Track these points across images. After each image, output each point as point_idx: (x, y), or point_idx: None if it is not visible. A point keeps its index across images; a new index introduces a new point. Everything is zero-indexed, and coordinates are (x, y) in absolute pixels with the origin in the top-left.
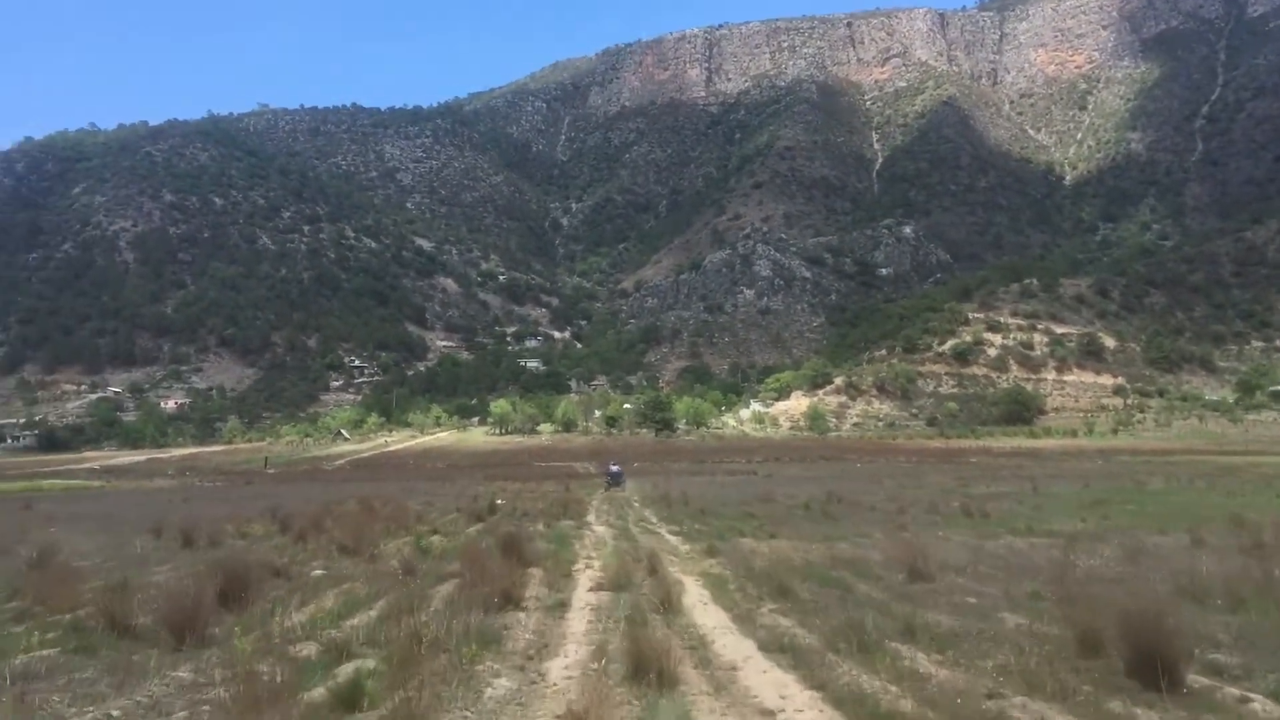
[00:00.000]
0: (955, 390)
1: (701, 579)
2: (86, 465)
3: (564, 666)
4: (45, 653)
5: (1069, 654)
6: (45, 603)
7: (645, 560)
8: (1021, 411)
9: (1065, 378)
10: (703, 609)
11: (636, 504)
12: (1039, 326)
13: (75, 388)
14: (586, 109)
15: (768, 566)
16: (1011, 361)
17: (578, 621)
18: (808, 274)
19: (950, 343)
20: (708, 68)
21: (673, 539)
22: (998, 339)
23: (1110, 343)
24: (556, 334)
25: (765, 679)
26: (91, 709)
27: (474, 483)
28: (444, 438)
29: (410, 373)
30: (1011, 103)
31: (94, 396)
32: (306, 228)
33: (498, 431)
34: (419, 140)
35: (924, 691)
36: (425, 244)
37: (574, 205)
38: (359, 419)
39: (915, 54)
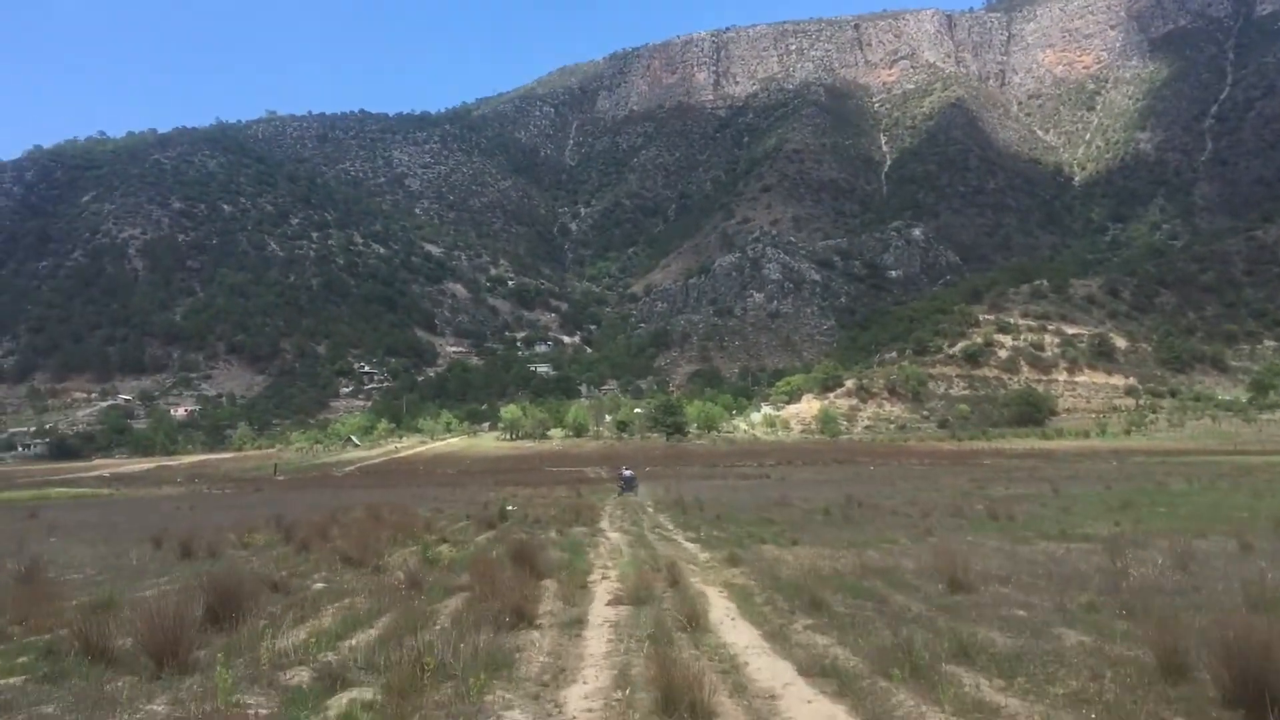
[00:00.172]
0: (966, 392)
1: (725, 590)
2: (96, 473)
3: (583, 695)
4: (11, 681)
5: (1151, 679)
6: (24, 622)
7: (665, 570)
8: (1033, 413)
9: (1076, 378)
10: (730, 625)
11: (650, 509)
12: (1050, 327)
13: (85, 395)
14: (594, 113)
15: (795, 576)
16: (1022, 363)
17: (596, 641)
18: (817, 277)
19: (961, 344)
20: (715, 71)
21: (691, 546)
22: (1008, 340)
23: (1121, 343)
24: (566, 339)
25: (811, 710)
26: None
27: (484, 489)
28: (454, 443)
29: (420, 379)
30: (1020, 104)
31: (104, 404)
32: (315, 234)
33: (508, 437)
34: (427, 146)
35: None
36: (434, 250)
37: (583, 210)
38: (369, 425)
39: (923, 56)
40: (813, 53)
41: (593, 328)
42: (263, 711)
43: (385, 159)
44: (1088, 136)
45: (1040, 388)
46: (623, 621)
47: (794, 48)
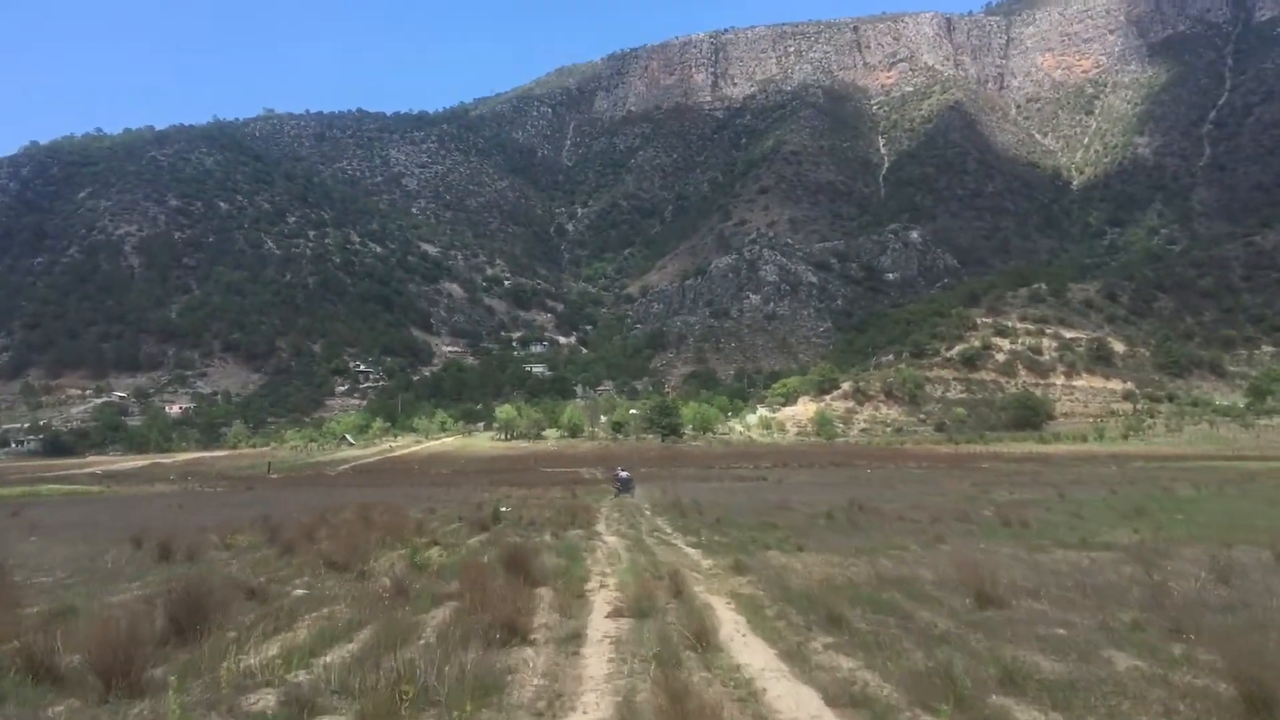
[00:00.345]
0: (963, 395)
1: (732, 601)
2: (88, 470)
3: None
4: None
5: (1231, 713)
6: None
7: (667, 579)
8: (1030, 417)
9: (1074, 383)
10: (742, 642)
11: (648, 512)
12: (1047, 331)
13: (80, 392)
14: (592, 114)
15: (806, 587)
16: (1020, 366)
17: (596, 660)
18: (814, 279)
19: (958, 348)
20: (714, 72)
21: (692, 552)
22: (1006, 344)
23: (1119, 347)
24: (562, 339)
25: None
26: None
27: (479, 489)
28: (449, 443)
29: (415, 378)
30: (1018, 107)
31: (99, 401)
32: (312, 233)
33: (503, 437)
34: (424, 145)
35: None
36: (430, 249)
37: (579, 210)
38: (364, 424)
39: (922, 59)
40: (811, 54)
41: (588, 328)
42: None
43: (382, 158)
44: (1086, 141)
45: (1038, 391)
46: (624, 637)
47: (792, 49)
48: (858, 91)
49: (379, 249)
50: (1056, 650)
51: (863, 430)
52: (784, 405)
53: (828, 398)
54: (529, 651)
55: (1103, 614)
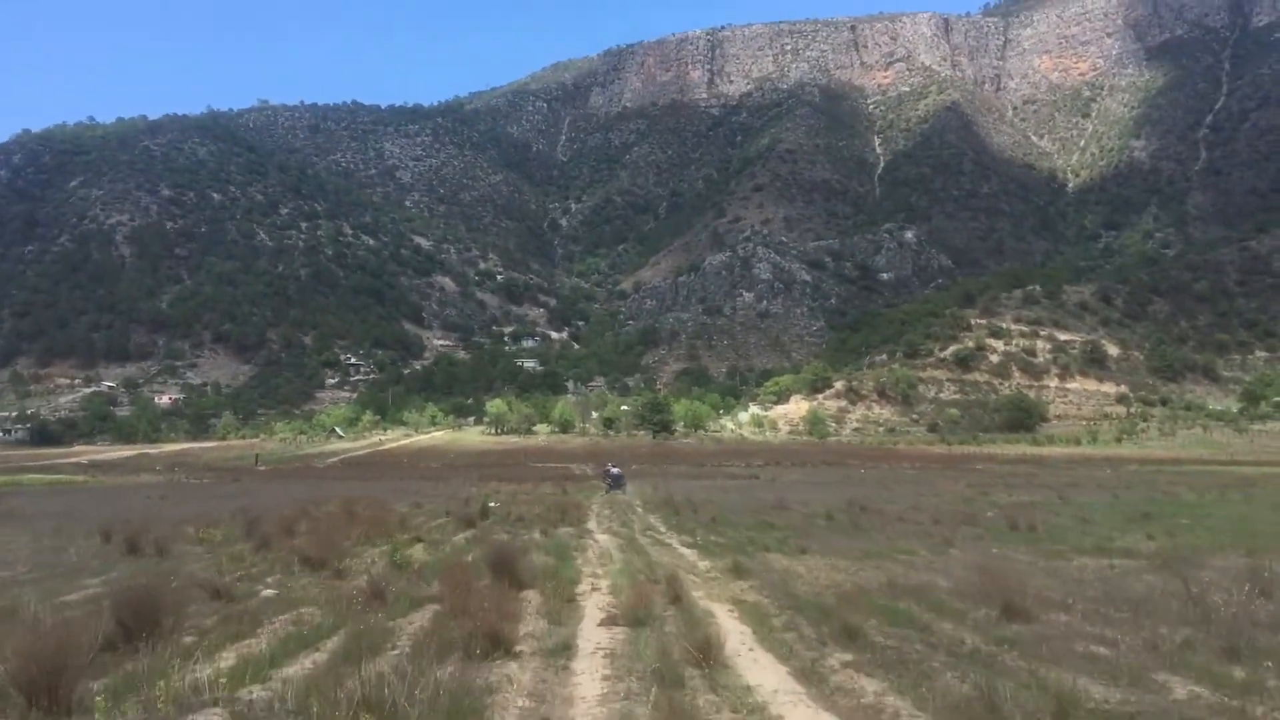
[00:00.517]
0: (957, 396)
1: (735, 609)
2: (74, 460)
3: None
4: None
5: None
6: None
7: (663, 582)
8: (1024, 418)
9: (1068, 385)
10: (750, 658)
11: (640, 509)
12: (1042, 333)
13: (69, 382)
14: (587, 109)
15: (815, 594)
16: (1014, 368)
17: (588, 678)
18: (808, 277)
19: (952, 348)
20: (710, 69)
21: (687, 552)
22: (1000, 345)
23: (1113, 350)
24: (554, 334)
25: None
26: None
27: (467, 483)
28: (439, 437)
29: (406, 371)
30: (1015, 109)
31: (88, 391)
32: (304, 224)
33: (493, 431)
34: (419, 138)
35: None
36: (423, 243)
37: (573, 205)
38: (354, 417)
39: (919, 59)
40: (808, 53)
41: (581, 324)
42: None
43: (376, 151)
44: (1082, 143)
45: (1031, 393)
46: (619, 649)
47: (789, 48)
48: (854, 91)
49: (372, 241)
50: (1103, 673)
51: (855, 430)
52: (776, 403)
53: (820, 396)
54: (513, 666)
55: (1144, 630)
